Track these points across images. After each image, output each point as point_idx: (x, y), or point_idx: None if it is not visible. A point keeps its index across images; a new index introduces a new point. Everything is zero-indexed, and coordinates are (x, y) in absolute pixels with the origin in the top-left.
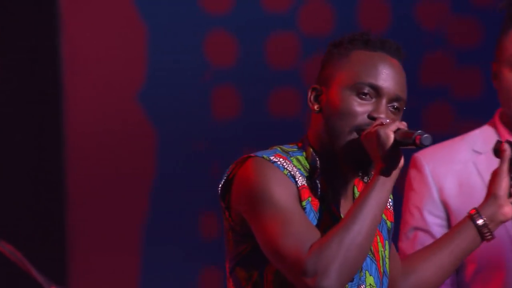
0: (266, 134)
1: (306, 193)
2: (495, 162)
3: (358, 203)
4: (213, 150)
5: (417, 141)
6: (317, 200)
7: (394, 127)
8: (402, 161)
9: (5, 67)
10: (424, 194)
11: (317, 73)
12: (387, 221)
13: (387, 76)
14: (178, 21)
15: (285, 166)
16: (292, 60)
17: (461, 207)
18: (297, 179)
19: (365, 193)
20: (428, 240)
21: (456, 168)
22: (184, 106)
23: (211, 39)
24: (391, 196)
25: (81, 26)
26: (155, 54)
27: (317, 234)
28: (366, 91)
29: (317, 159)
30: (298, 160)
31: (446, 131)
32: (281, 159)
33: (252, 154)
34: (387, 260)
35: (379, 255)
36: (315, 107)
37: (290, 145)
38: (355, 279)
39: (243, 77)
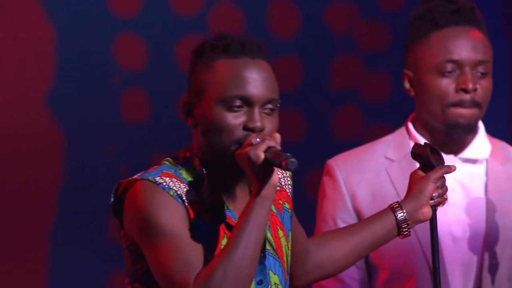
0: (176, 137)
1: (195, 210)
2: (407, 169)
3: (238, 228)
4: (122, 153)
5: (283, 164)
6: (209, 213)
7: (264, 146)
8: (275, 179)
9: None
10: (337, 201)
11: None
12: (289, 210)
13: (253, 83)
14: (87, 23)
15: (171, 186)
16: None
17: None
18: (184, 198)
19: (244, 217)
20: None
21: (369, 177)
22: (93, 108)
23: (120, 41)
24: (291, 182)
25: None
26: (64, 56)
27: (205, 257)
28: (236, 103)
29: (204, 170)
30: (188, 172)
31: (356, 135)
32: (167, 179)
33: (138, 177)
34: (289, 252)
35: (282, 251)
36: (190, 122)
37: (180, 156)
38: (264, 282)
39: (152, 80)
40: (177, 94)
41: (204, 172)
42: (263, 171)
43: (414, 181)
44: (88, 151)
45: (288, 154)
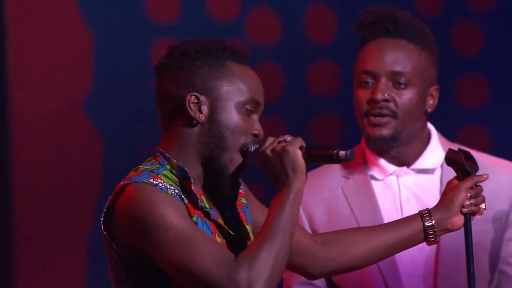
0: None
1: (192, 209)
2: (362, 186)
3: (277, 215)
4: None
5: (343, 156)
6: (200, 211)
7: (298, 144)
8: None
9: None
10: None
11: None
12: (245, 203)
13: (261, 89)
14: (124, 30)
15: (168, 187)
16: None
17: None
18: (183, 197)
19: (283, 206)
20: None
21: (325, 196)
22: (130, 114)
23: (158, 47)
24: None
25: (27, 33)
26: (101, 63)
27: (223, 245)
28: (249, 108)
29: (186, 169)
30: (166, 176)
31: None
32: (160, 180)
33: (130, 181)
34: None
35: None
36: (198, 117)
37: (150, 163)
38: None
39: None
40: None
41: (186, 170)
42: (301, 166)
43: (447, 190)
44: (126, 156)
45: (333, 145)
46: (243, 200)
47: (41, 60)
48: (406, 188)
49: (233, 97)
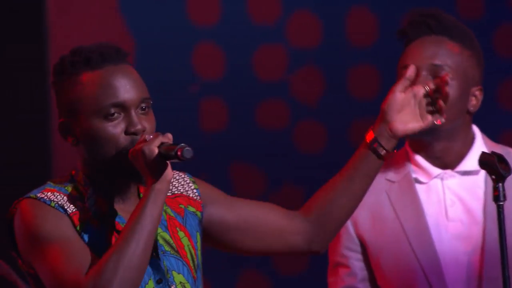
0: (254, 146)
1: (80, 218)
2: (406, 190)
3: (131, 223)
4: (200, 161)
5: (179, 154)
6: (96, 219)
7: (157, 142)
8: (169, 174)
9: None
10: (342, 229)
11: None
12: (197, 212)
13: (123, 88)
14: (166, 34)
15: (52, 199)
16: (280, 72)
17: (375, 240)
18: (66, 208)
19: (138, 211)
20: (349, 275)
21: (370, 200)
22: (171, 117)
23: (199, 51)
24: (196, 186)
25: (69, 37)
26: (144, 67)
27: (94, 258)
28: (112, 112)
29: (87, 181)
30: (73, 187)
31: None
32: (48, 193)
33: (21, 197)
34: (199, 252)
35: (185, 251)
36: (70, 141)
37: (65, 175)
38: (164, 281)
39: (230, 89)
40: (254, 103)
41: (87, 181)
42: (157, 166)
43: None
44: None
45: (182, 144)
46: (191, 208)
47: None
48: (451, 191)
49: (90, 110)
